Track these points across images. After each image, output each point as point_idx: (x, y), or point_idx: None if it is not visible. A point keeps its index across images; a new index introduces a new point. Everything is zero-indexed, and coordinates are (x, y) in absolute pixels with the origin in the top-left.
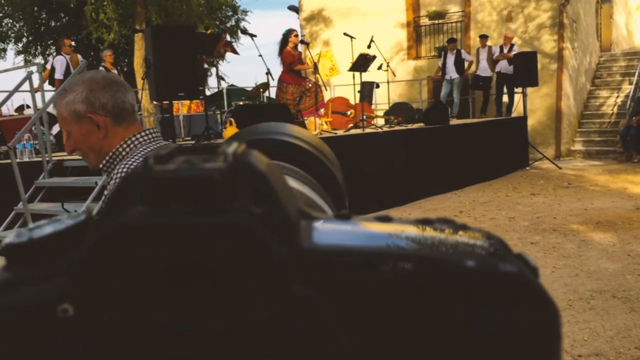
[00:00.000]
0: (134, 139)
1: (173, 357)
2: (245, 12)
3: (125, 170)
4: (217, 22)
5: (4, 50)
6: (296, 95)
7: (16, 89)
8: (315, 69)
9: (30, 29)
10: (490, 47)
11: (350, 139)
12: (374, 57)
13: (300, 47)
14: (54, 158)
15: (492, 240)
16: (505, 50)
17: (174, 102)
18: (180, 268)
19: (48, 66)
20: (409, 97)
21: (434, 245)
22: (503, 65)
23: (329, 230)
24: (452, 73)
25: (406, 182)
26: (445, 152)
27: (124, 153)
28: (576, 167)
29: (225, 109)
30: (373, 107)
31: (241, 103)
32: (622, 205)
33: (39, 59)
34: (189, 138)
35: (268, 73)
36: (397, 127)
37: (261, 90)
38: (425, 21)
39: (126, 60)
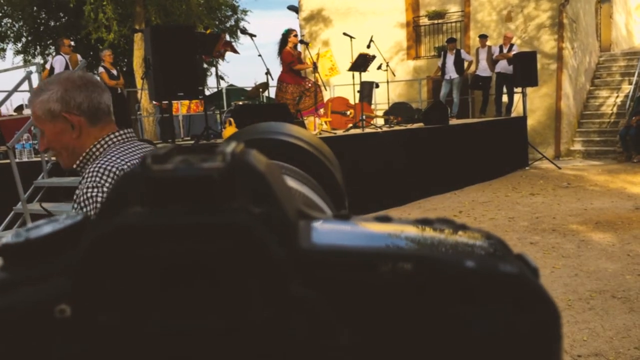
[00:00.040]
0: (107, 139)
1: (172, 357)
2: (244, 12)
3: (96, 170)
4: (217, 22)
5: (3, 50)
6: (296, 95)
7: (15, 89)
8: (315, 69)
9: (29, 28)
10: (489, 47)
11: (350, 139)
12: (374, 57)
13: (300, 47)
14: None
15: (492, 241)
16: (505, 50)
17: (173, 102)
18: (179, 268)
19: (47, 66)
20: (408, 97)
21: (433, 245)
22: (503, 65)
23: (328, 231)
24: (451, 73)
25: (406, 182)
26: (444, 152)
27: (97, 153)
28: (576, 167)
29: (225, 108)
30: (372, 107)
31: (240, 103)
32: (622, 205)
33: (38, 59)
34: (189, 138)
35: (267, 73)
36: (397, 127)
37: (261, 90)
38: (424, 21)
39: (125, 60)
